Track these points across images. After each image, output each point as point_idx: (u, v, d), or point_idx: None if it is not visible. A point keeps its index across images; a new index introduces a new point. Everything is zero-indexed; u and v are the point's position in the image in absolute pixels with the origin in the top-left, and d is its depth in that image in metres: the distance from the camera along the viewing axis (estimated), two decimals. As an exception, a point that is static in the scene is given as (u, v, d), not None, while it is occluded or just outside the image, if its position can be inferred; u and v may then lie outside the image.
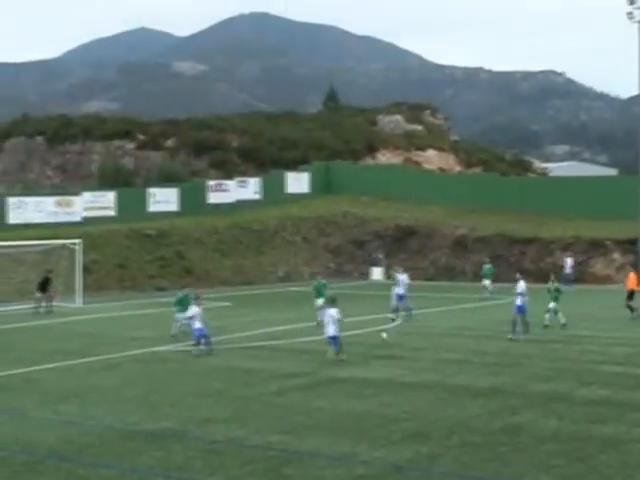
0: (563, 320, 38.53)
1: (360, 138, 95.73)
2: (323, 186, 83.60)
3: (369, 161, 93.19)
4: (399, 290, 43.08)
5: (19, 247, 53.36)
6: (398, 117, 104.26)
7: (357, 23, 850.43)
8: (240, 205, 76.43)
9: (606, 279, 61.68)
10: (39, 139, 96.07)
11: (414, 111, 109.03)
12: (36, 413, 23.33)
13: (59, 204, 66.72)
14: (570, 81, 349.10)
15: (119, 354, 32.81)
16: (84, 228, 62.19)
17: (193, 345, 32.96)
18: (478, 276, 57.49)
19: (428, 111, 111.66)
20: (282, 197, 79.83)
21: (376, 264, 68.08)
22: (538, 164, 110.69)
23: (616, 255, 62.73)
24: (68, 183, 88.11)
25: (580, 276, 61.54)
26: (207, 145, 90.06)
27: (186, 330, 35.29)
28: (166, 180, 77.17)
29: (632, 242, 61.30)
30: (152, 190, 72.39)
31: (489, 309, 47.51)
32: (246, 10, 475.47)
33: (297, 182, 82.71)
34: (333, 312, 30.92)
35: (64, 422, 22.19)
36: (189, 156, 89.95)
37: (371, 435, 20.23)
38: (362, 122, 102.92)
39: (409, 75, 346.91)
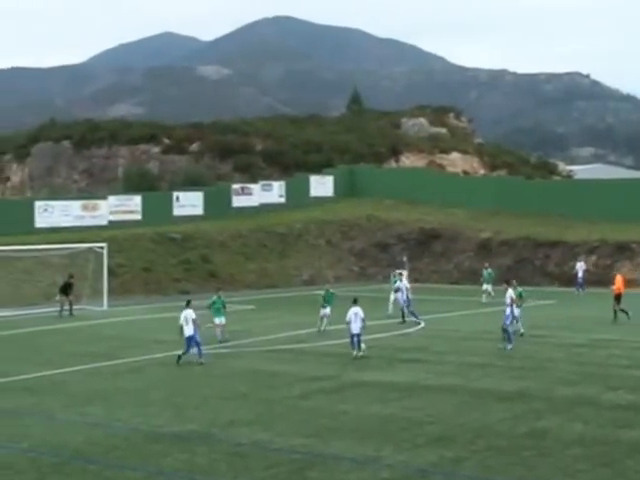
0: (522, 330, 36.79)
1: (384, 141, 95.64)
2: (347, 189, 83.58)
3: (393, 164, 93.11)
4: (402, 295, 43.18)
5: (46, 250, 53.71)
6: (422, 120, 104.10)
7: (380, 26, 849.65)
8: (264, 209, 76.53)
9: (632, 283, 61.32)
10: (66, 143, 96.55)
11: (438, 114, 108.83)
12: (63, 415, 23.51)
13: (85, 208, 67.03)
14: (595, 83, 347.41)
15: (144, 357, 32.98)
16: (110, 232, 62.48)
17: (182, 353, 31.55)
18: (502, 280, 57.25)
19: (452, 114, 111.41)
20: (306, 200, 79.88)
21: (400, 267, 68.00)
22: (563, 167, 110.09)
23: (642, 258, 62.36)
24: (94, 187, 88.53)
25: (606, 279, 61.17)
26: (232, 149, 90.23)
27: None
28: (191, 184, 77.38)
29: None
30: (177, 194, 72.60)
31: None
32: (270, 14, 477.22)
33: (321, 185, 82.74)
34: (357, 310, 31.99)
35: (90, 424, 22.34)
36: (214, 160, 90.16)
37: (395, 438, 20.25)
38: (386, 125, 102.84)
39: (433, 77, 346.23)
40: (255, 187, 77.87)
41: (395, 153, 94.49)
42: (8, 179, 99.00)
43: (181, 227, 67.52)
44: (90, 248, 54.30)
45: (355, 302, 32.49)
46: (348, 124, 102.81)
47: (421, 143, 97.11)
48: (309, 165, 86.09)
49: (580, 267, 58.50)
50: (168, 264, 62.56)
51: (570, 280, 59.75)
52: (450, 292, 54.76)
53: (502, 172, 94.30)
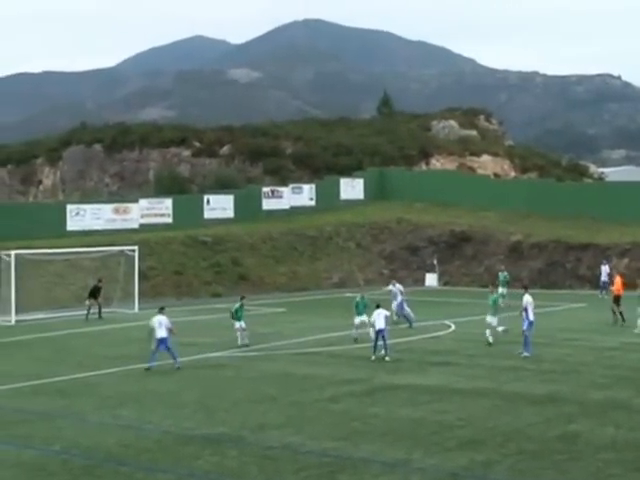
0: (490, 339, 35.85)
1: (414, 144, 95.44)
2: (377, 192, 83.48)
3: (423, 167, 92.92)
4: (398, 301, 43.15)
5: (77, 254, 54.05)
6: (452, 122, 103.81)
7: (410, 28, 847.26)
8: (295, 211, 76.60)
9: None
10: (97, 147, 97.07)
11: (468, 116, 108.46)
12: (95, 417, 23.67)
13: (117, 211, 67.35)
14: (627, 84, 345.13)
15: (175, 360, 33.10)
16: (141, 235, 62.75)
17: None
18: (534, 282, 57.08)
19: (482, 116, 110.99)
20: (336, 203, 79.86)
21: (430, 270, 67.90)
22: (594, 169, 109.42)
23: (674, 261, 61.89)
24: (125, 190, 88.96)
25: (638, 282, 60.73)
26: (262, 152, 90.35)
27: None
28: (221, 187, 77.57)
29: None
30: (208, 197, 72.81)
31: (543, 316, 47.15)
32: (300, 17, 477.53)
33: (351, 188, 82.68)
34: (380, 310, 32.93)
35: (122, 426, 22.47)
36: (244, 163, 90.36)
37: (426, 442, 20.24)
38: (416, 128, 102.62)
39: (463, 80, 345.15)
40: (285, 190, 77.95)
41: (425, 156, 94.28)
42: (40, 182, 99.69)
43: (212, 230, 67.73)
44: (121, 251, 54.57)
45: (378, 307, 33.21)
46: (378, 127, 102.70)
47: (451, 145, 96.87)
48: (339, 168, 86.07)
49: (604, 270, 58.17)
50: (199, 267, 62.76)
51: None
52: (480, 295, 54.39)
53: (533, 174, 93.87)
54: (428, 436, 20.81)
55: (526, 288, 35.75)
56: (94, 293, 49.33)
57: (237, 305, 37.08)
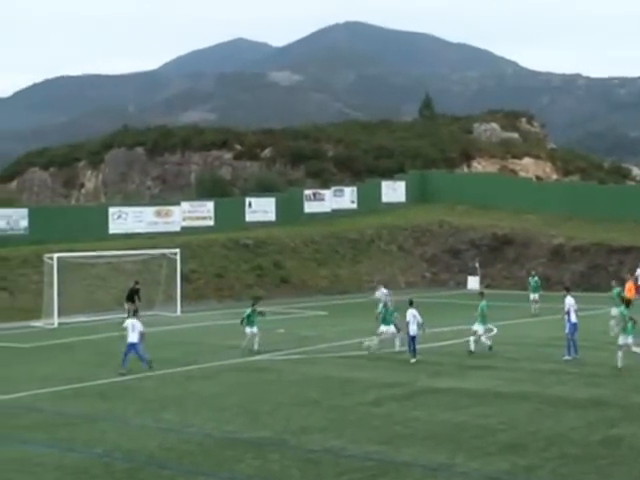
0: (472, 347, 34.58)
1: (456, 146, 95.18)
2: (419, 195, 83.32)
3: (465, 170, 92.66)
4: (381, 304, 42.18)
5: (119, 257, 54.40)
6: (494, 125, 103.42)
7: (451, 30, 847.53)
8: (336, 214, 76.62)
9: None
10: (139, 150, 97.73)
11: (510, 119, 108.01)
12: (137, 420, 23.81)
13: (158, 214, 67.69)
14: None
15: (218, 363, 33.25)
16: (183, 238, 63.06)
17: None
18: (576, 285, 56.65)
19: (524, 119, 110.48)
20: (378, 206, 79.79)
21: (472, 273, 67.64)
22: (637, 171, 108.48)
23: None
24: (167, 193, 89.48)
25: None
26: (303, 154, 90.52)
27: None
28: (263, 190, 77.75)
29: None
30: (249, 200, 73.03)
31: (585, 319, 46.79)
32: (341, 19, 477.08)
33: (393, 191, 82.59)
34: (414, 312, 32.93)
35: (164, 429, 22.60)
36: (285, 166, 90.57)
37: (468, 446, 20.19)
38: (457, 130, 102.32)
39: (504, 82, 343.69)
40: (327, 193, 78.00)
41: (467, 158, 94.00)
42: (82, 185, 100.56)
43: (253, 233, 67.90)
44: (163, 254, 54.86)
45: (411, 304, 33.26)
46: (419, 129, 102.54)
47: (493, 148, 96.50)
48: (380, 170, 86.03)
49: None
50: (240, 270, 62.94)
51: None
52: (522, 298, 54.15)
53: (575, 177, 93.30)
54: (470, 440, 20.76)
55: (568, 290, 35.42)
56: (132, 296, 49.41)
57: (248, 310, 36.70)
